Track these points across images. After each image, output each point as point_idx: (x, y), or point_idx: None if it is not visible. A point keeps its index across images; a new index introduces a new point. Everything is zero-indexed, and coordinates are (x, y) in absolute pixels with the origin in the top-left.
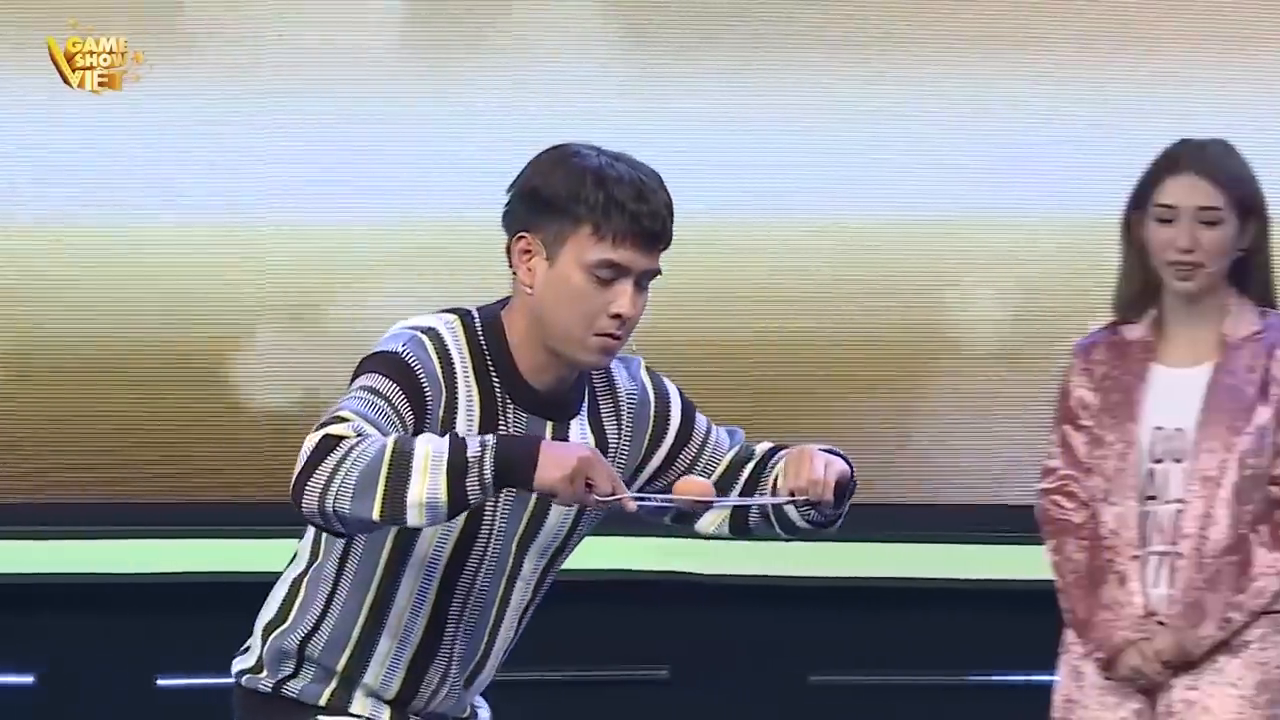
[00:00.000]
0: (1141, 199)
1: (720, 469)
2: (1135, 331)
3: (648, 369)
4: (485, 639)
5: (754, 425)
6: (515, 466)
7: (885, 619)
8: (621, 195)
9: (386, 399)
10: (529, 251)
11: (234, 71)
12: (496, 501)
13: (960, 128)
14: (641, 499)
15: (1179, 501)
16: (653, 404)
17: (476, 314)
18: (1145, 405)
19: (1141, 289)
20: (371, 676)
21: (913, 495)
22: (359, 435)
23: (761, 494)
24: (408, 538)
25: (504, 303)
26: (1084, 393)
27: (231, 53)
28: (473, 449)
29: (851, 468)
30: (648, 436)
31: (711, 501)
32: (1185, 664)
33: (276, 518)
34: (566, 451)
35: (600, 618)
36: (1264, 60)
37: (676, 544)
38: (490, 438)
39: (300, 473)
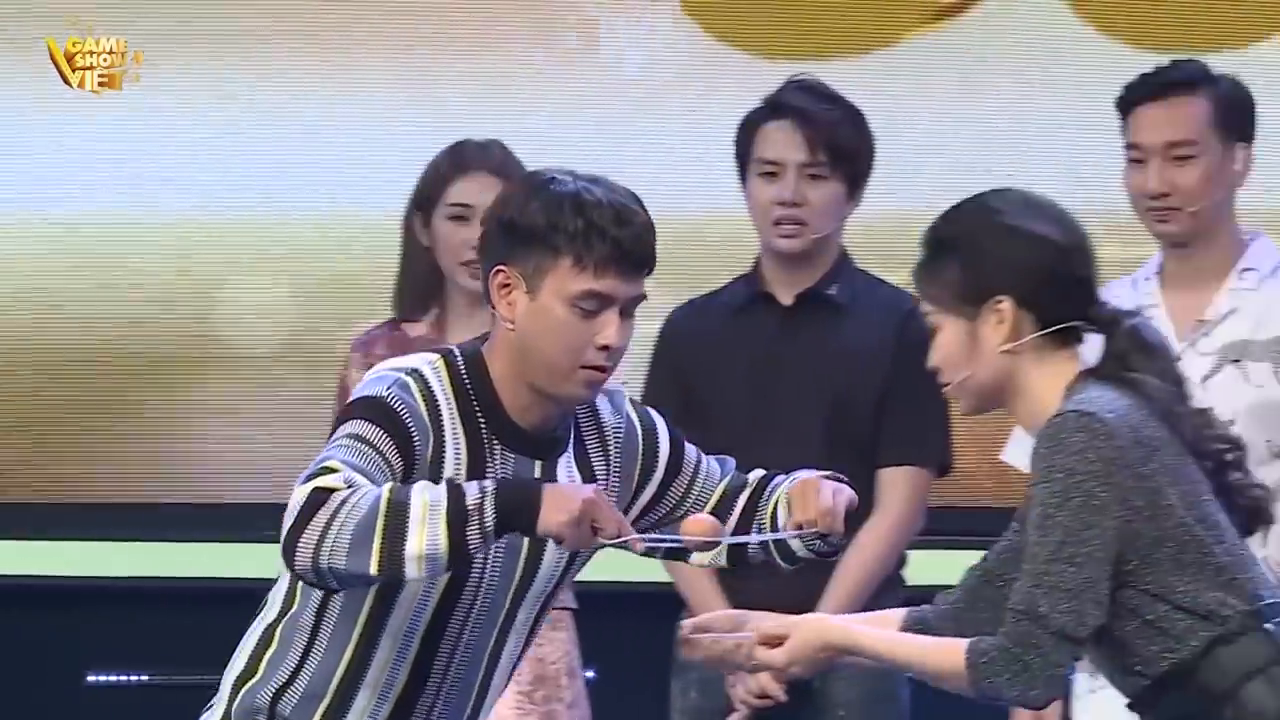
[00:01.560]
0: (427, 199)
1: (713, 500)
2: (417, 329)
3: (632, 401)
4: (475, 692)
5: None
6: (517, 512)
7: (160, 618)
8: (601, 220)
9: (374, 446)
10: (508, 285)
11: None
12: (487, 551)
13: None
14: (649, 540)
15: None
16: (640, 437)
17: (458, 353)
18: None
19: (425, 287)
20: None
21: (198, 494)
22: (350, 486)
23: (760, 526)
24: (393, 585)
25: (484, 339)
26: None
27: None
28: (472, 496)
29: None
30: (637, 471)
31: (719, 541)
32: None
33: None
34: (570, 494)
35: None
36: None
37: None
38: (489, 483)
39: (291, 529)
